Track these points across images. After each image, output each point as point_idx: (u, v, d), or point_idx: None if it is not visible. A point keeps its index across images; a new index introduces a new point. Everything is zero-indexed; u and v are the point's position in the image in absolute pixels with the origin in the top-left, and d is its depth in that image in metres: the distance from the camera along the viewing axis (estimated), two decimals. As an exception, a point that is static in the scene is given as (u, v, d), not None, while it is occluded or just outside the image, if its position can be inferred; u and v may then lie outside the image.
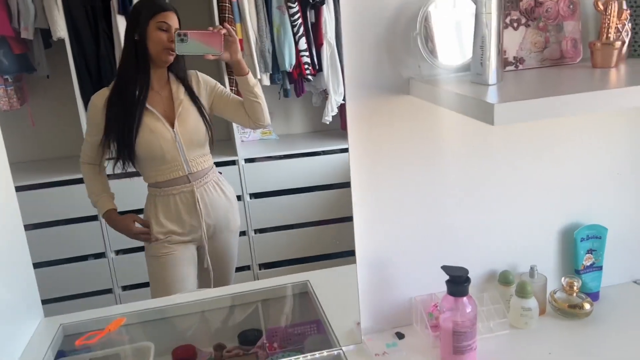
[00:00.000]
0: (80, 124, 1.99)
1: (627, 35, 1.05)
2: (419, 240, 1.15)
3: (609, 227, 1.23)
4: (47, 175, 2.10)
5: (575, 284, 1.18)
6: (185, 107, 1.64)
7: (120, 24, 1.98)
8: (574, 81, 0.98)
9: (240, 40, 2.17)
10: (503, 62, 0.99)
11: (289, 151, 2.37)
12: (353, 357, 1.11)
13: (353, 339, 1.16)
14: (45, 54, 2.07)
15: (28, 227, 1.34)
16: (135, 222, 1.69)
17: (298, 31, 2.25)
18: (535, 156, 1.18)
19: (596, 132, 1.20)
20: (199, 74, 1.71)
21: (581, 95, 0.82)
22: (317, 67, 2.32)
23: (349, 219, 1.11)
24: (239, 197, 2.25)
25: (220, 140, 2.07)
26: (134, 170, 1.64)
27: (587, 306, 1.17)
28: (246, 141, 2.43)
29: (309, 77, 2.31)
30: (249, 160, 2.28)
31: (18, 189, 1.32)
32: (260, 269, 2.36)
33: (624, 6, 1.03)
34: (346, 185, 1.09)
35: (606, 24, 1.02)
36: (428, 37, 1.02)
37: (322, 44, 2.29)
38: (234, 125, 2.14)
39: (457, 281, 1.02)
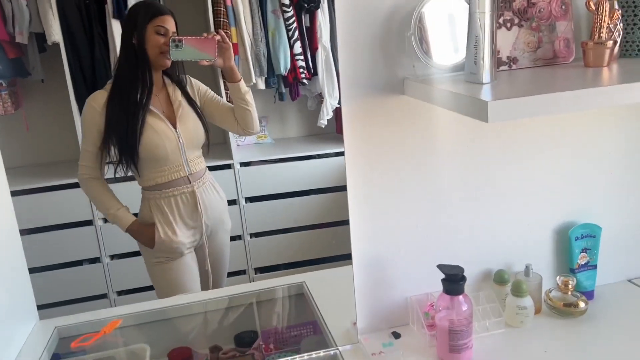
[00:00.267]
0: (75, 128, 1.99)
1: (619, 35, 1.07)
2: (415, 239, 1.16)
3: (603, 225, 1.24)
4: (42, 180, 2.09)
5: (570, 282, 1.18)
6: (185, 108, 1.65)
7: (115, 28, 1.98)
8: (567, 80, 0.99)
9: (235, 45, 2.18)
10: (497, 62, 1.00)
11: (284, 155, 2.37)
12: (349, 357, 1.11)
13: (349, 339, 1.16)
14: (39, 58, 2.07)
15: (23, 232, 1.33)
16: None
17: (293, 35, 2.26)
18: (529, 155, 1.18)
19: (590, 131, 1.21)
20: (191, 78, 1.72)
21: (574, 93, 0.83)
22: (312, 71, 2.33)
23: (345, 222, 1.11)
24: (234, 201, 2.25)
25: (216, 144, 2.07)
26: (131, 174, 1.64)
27: (582, 305, 1.17)
28: (242, 145, 2.43)
29: (304, 80, 2.31)
30: (244, 164, 2.28)
31: (13, 193, 1.31)
32: (255, 273, 2.35)
33: (616, 6, 1.04)
34: (342, 188, 1.10)
35: (598, 24, 1.03)
36: (422, 37, 1.03)
37: (317, 48, 2.30)
38: (230, 129, 2.14)
39: (453, 279, 1.02)
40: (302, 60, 2.29)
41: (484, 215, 1.19)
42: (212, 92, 1.74)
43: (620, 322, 1.16)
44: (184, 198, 1.66)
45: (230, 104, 1.73)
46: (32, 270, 1.34)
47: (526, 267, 1.20)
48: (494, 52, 0.93)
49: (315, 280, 1.43)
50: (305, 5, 2.24)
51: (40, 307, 1.36)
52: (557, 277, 1.21)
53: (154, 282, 1.73)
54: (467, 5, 0.93)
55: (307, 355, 1.13)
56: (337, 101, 2.30)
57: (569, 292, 1.19)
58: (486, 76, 0.92)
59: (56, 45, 1.96)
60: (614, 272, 1.31)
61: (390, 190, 1.12)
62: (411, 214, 1.15)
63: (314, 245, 2.38)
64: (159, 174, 1.62)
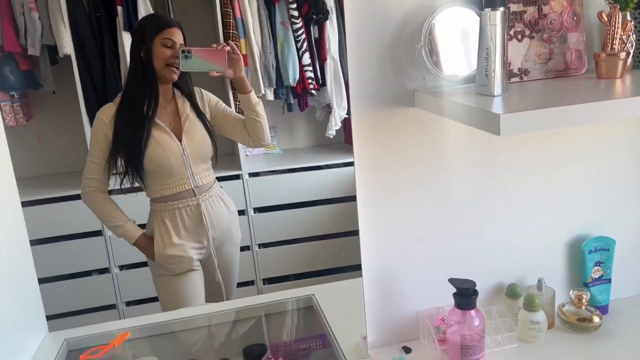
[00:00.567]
0: (85, 139, 1.99)
1: (632, 46, 1.06)
2: (426, 253, 1.15)
3: (617, 239, 1.22)
4: (52, 191, 2.10)
5: (584, 296, 1.17)
6: (192, 121, 1.66)
7: (126, 40, 2.00)
8: (579, 92, 0.98)
9: (245, 56, 2.19)
10: (508, 74, 0.99)
11: (293, 165, 2.36)
12: (359, 372, 1.10)
13: (359, 354, 1.15)
14: (51, 70, 2.08)
15: (33, 243, 1.34)
16: None
17: (302, 46, 2.26)
18: (541, 168, 1.17)
19: (603, 144, 1.19)
20: (203, 90, 1.73)
21: (586, 106, 0.82)
22: (320, 82, 2.32)
23: (354, 232, 1.10)
24: (243, 212, 2.24)
25: (225, 154, 2.07)
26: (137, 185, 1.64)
27: (596, 319, 1.16)
28: (250, 155, 2.43)
29: (313, 91, 2.31)
30: (253, 175, 2.28)
31: (24, 204, 1.32)
32: (264, 284, 2.34)
33: (628, 17, 1.03)
34: (350, 199, 1.09)
35: (610, 35, 1.02)
36: (432, 49, 1.02)
37: (325, 59, 2.30)
38: (238, 139, 2.14)
39: (465, 294, 1.01)
40: (310, 71, 2.29)
41: (495, 228, 1.18)
42: (224, 104, 1.75)
43: (636, 337, 1.14)
44: (188, 211, 1.66)
45: (240, 116, 1.74)
46: (41, 281, 1.35)
47: (539, 280, 1.18)
48: (505, 64, 0.92)
49: (324, 293, 1.41)
50: (314, 17, 2.25)
51: (49, 318, 1.36)
52: (571, 291, 1.19)
53: (158, 294, 1.73)
54: (478, 17, 0.93)
55: (317, 370, 1.12)
56: (346, 112, 2.29)
57: (583, 307, 1.17)
58: (497, 88, 0.92)
59: (67, 57, 1.97)
60: (629, 286, 1.29)
61: (401, 202, 1.11)
62: (422, 226, 1.14)
63: (323, 256, 2.36)
64: (164, 186, 1.63)
